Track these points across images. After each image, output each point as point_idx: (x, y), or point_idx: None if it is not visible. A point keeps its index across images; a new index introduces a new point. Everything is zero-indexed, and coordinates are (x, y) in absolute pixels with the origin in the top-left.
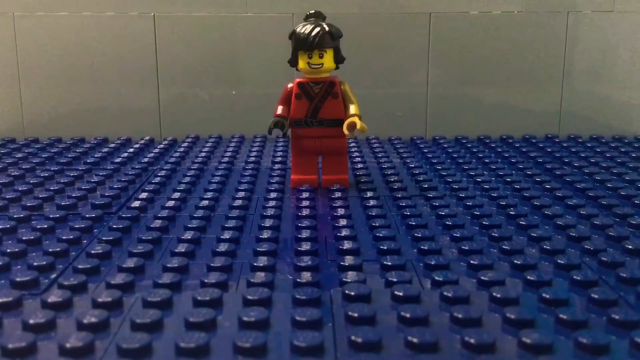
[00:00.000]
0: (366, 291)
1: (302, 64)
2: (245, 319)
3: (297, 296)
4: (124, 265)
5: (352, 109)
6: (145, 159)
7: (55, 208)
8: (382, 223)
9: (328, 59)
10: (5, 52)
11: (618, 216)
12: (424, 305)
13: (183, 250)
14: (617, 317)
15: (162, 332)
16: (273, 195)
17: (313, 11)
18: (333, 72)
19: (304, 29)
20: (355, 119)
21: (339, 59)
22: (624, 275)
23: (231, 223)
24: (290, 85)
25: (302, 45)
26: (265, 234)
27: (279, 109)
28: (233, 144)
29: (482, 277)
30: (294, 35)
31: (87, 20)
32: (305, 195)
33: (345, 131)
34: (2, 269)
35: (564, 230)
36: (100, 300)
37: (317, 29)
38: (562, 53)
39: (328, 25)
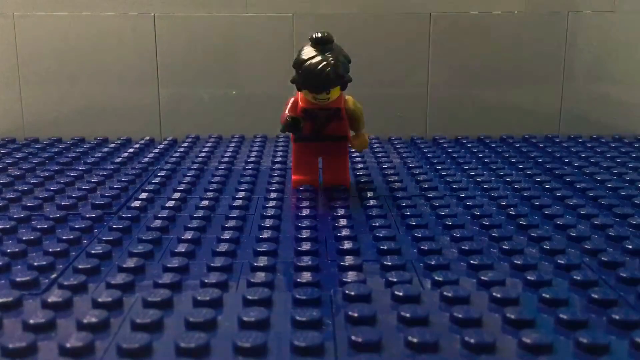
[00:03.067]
0: (366, 291)
1: (307, 94)
2: (245, 319)
3: (297, 296)
4: (124, 265)
5: (360, 129)
6: (145, 159)
7: (55, 208)
8: (382, 223)
9: (335, 91)
10: (5, 52)
11: (618, 216)
12: (424, 306)
13: (183, 250)
14: (617, 317)
15: (162, 332)
16: (273, 195)
17: (320, 35)
18: None
19: (312, 64)
20: (365, 137)
21: (345, 86)
22: (624, 275)
23: (231, 223)
24: (293, 99)
25: (309, 86)
26: (265, 234)
27: (288, 111)
28: (233, 144)
29: (482, 277)
30: (301, 70)
31: (87, 20)
32: (305, 195)
33: (355, 147)
34: (2, 269)
35: (564, 230)
36: (100, 300)
37: (327, 68)
38: (562, 53)
39: (336, 55)
